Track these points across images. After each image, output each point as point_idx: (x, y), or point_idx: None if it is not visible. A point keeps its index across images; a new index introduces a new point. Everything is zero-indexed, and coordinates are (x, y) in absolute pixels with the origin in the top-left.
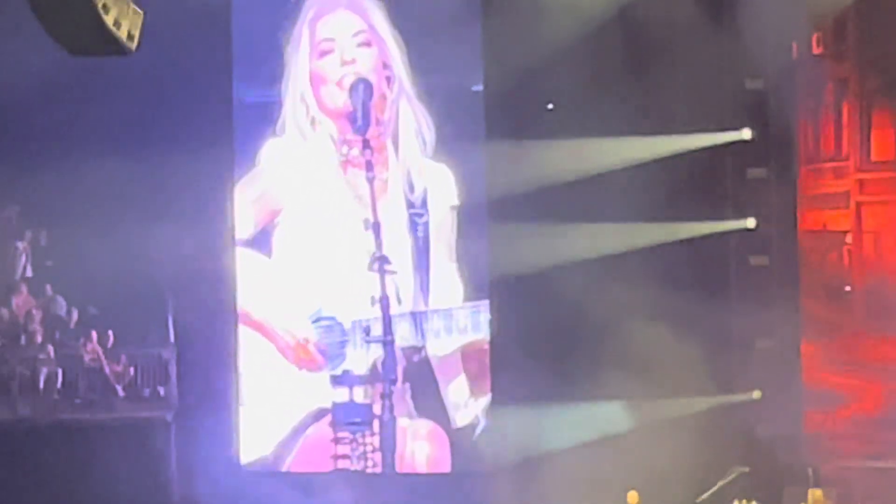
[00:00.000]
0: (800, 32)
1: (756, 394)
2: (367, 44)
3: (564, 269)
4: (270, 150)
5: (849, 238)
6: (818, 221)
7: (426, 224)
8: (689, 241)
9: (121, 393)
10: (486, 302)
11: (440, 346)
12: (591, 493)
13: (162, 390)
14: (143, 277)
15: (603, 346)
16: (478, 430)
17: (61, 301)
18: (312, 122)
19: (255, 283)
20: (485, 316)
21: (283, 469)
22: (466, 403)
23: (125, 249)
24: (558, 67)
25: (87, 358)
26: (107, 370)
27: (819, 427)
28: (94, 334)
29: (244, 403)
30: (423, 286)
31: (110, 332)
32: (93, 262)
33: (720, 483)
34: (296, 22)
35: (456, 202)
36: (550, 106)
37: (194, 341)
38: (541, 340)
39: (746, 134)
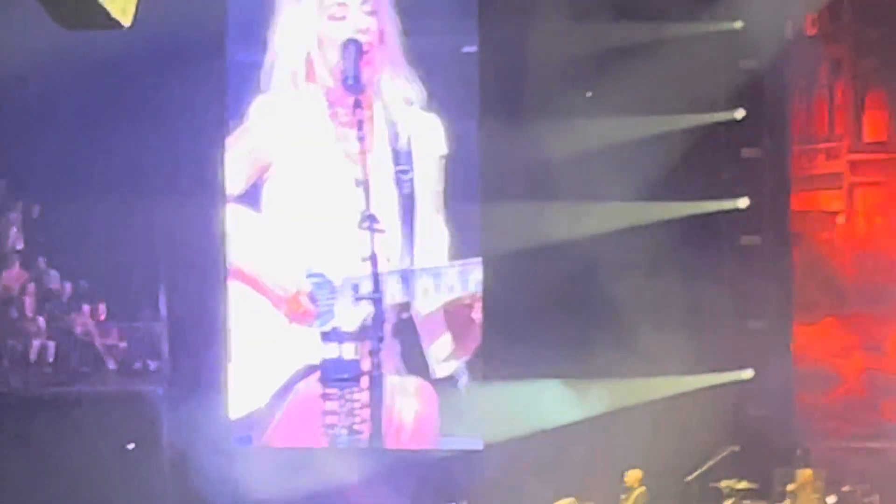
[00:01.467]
0: (794, 13)
1: (747, 374)
2: (374, 13)
3: (555, 247)
4: (259, 106)
5: (841, 219)
6: (811, 202)
7: (411, 181)
8: (681, 221)
9: (112, 366)
10: (475, 260)
11: (427, 303)
12: (581, 471)
13: (153, 364)
14: (136, 251)
15: (593, 324)
16: (461, 383)
17: (54, 274)
18: (306, 79)
19: (245, 238)
20: (473, 276)
21: (273, 423)
22: (447, 358)
23: (117, 222)
24: (550, 50)
25: (78, 331)
26: (98, 344)
27: (809, 407)
28: (85, 308)
29: (233, 360)
30: (410, 244)
31: (102, 306)
32: (85, 235)
33: (710, 462)
34: None
35: (445, 151)
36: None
37: (187, 316)
38: (531, 313)
39: (740, 114)
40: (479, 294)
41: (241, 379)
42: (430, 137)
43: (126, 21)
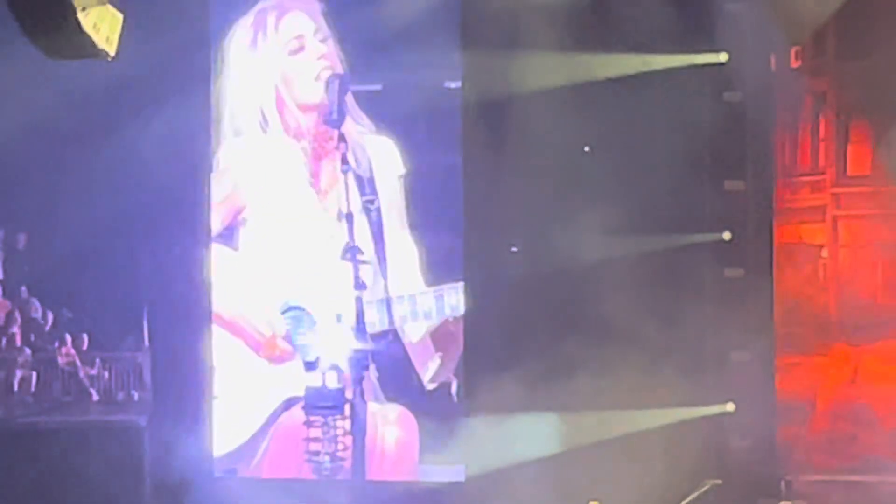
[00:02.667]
0: (778, 46)
1: (730, 406)
2: (325, 39)
3: (538, 278)
4: (229, 150)
5: (825, 252)
6: (794, 235)
7: (378, 209)
8: (665, 253)
9: (95, 396)
10: (450, 286)
11: (414, 330)
12: None
13: (136, 394)
14: (119, 280)
15: (575, 355)
16: (454, 389)
17: (36, 304)
18: (279, 118)
19: (223, 280)
20: (449, 300)
21: (258, 452)
22: (438, 372)
23: (101, 252)
24: (533, 83)
25: (61, 361)
26: (81, 373)
27: (792, 440)
28: (68, 337)
29: (216, 394)
30: (384, 272)
31: (85, 336)
32: (68, 264)
33: (692, 495)
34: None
35: (402, 171)
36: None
37: (170, 346)
38: (512, 341)
39: (723, 146)
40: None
41: (224, 412)
42: (387, 160)
43: (110, 50)
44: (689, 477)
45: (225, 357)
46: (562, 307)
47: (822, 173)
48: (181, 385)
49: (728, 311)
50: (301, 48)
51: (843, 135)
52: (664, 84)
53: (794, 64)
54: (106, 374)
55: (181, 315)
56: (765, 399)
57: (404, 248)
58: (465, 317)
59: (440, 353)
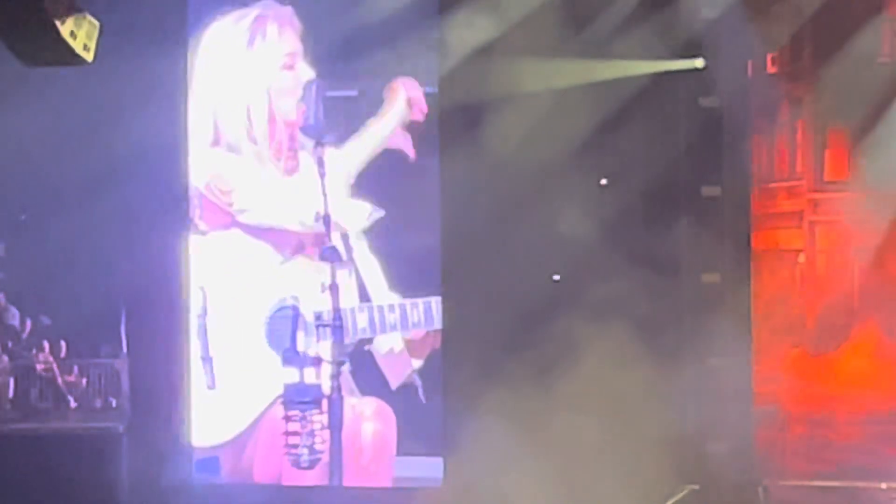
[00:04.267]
0: (755, 51)
1: (706, 411)
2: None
3: (517, 286)
4: (216, 159)
5: (802, 257)
6: (771, 240)
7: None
8: (641, 259)
9: (73, 403)
10: (435, 298)
11: (386, 338)
12: None
13: (114, 401)
14: (97, 288)
15: (553, 362)
16: (420, 391)
17: (14, 311)
18: (267, 130)
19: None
20: (433, 312)
21: (238, 448)
22: (409, 377)
23: (79, 260)
24: (510, 87)
25: (39, 368)
26: (59, 380)
27: (769, 445)
28: (45, 344)
29: (197, 395)
30: (357, 277)
31: (63, 342)
32: (45, 272)
33: (670, 501)
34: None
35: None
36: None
37: (148, 352)
38: (490, 350)
39: (700, 152)
40: (439, 329)
41: (205, 412)
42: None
43: (88, 57)
44: (666, 483)
45: (220, 349)
46: (539, 315)
47: (800, 179)
48: (159, 390)
49: (705, 317)
50: (291, 66)
51: (820, 140)
52: (640, 90)
53: (771, 69)
54: (84, 380)
55: (159, 322)
56: (742, 404)
57: (370, 261)
58: (444, 322)
59: (416, 362)
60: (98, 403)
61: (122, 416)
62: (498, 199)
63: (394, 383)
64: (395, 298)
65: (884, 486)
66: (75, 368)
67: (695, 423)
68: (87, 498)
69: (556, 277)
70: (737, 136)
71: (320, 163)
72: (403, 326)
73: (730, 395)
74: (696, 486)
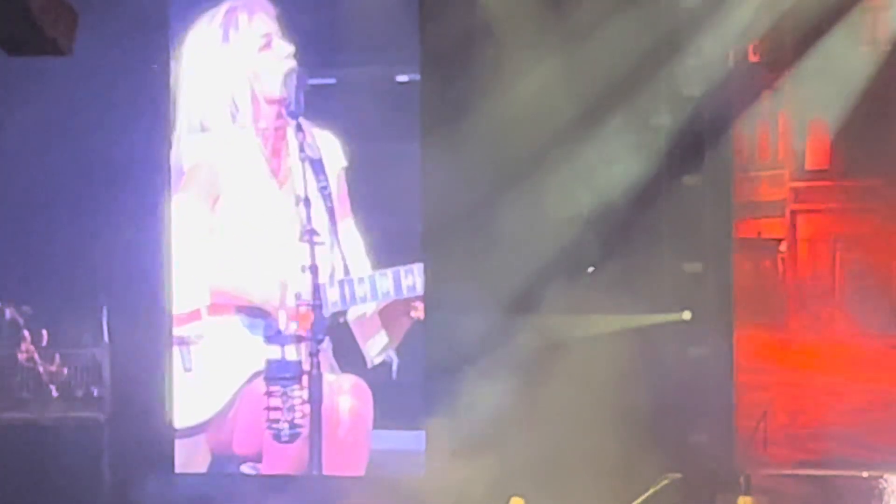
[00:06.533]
0: (736, 41)
1: (688, 401)
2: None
3: (499, 262)
4: (200, 145)
5: (783, 246)
6: (753, 229)
7: (330, 194)
8: (621, 247)
9: (54, 393)
10: (406, 267)
11: (361, 309)
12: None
13: (95, 390)
14: (78, 277)
15: (534, 352)
16: (394, 368)
17: None
18: (252, 113)
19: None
20: (405, 281)
21: (221, 424)
22: (382, 350)
23: (60, 249)
24: (492, 77)
25: (21, 357)
26: (41, 370)
27: (751, 434)
28: (27, 334)
29: (178, 379)
30: (340, 254)
31: (44, 332)
32: (26, 261)
33: (652, 489)
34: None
35: (345, 164)
36: (591, 269)
37: (129, 341)
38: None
39: (682, 141)
40: (415, 296)
41: (184, 393)
42: (331, 152)
43: (67, 45)
44: (647, 471)
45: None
46: (519, 303)
47: (781, 168)
48: (140, 380)
49: (687, 306)
50: (268, 45)
51: (801, 129)
52: (621, 83)
53: (753, 58)
54: (65, 370)
55: (140, 311)
56: (723, 394)
57: (351, 236)
58: (425, 297)
59: (385, 329)
60: (79, 393)
61: (104, 406)
62: (478, 186)
63: (366, 347)
64: (376, 270)
65: (865, 474)
66: (57, 358)
67: (676, 412)
68: (69, 487)
69: (591, 269)
70: (718, 126)
71: (301, 147)
72: (374, 297)
73: (711, 384)
74: (678, 475)
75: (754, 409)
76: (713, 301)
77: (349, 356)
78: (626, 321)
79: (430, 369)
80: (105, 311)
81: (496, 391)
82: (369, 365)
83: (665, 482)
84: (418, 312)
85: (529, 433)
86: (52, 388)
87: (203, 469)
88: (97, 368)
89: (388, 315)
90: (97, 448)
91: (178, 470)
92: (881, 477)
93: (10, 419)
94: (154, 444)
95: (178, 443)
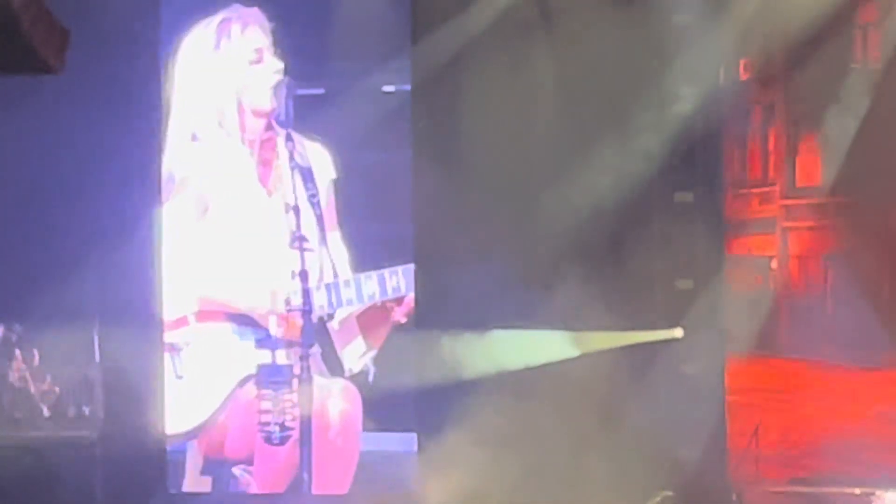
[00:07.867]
0: (727, 57)
1: (680, 418)
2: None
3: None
4: (192, 155)
5: (774, 263)
6: (743, 246)
7: (319, 203)
8: (612, 262)
9: (46, 412)
10: (391, 269)
11: (344, 312)
12: None
13: (87, 410)
14: (69, 296)
15: (529, 370)
16: (370, 377)
17: None
18: (238, 124)
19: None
20: (390, 282)
21: (212, 430)
22: (361, 357)
23: (51, 268)
24: (484, 87)
25: (12, 377)
26: (32, 389)
27: (743, 452)
28: (18, 353)
29: (179, 377)
30: (329, 260)
31: (35, 351)
32: (18, 280)
33: None
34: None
35: (334, 175)
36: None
37: (120, 359)
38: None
39: (672, 158)
40: (400, 298)
41: (178, 400)
42: (320, 163)
43: (58, 64)
44: (640, 489)
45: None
46: (508, 317)
47: (772, 185)
48: (132, 395)
49: (678, 323)
50: (259, 60)
51: (792, 146)
52: (612, 99)
53: (743, 75)
54: (57, 389)
55: (132, 329)
56: (715, 411)
57: (339, 245)
58: (416, 308)
59: (362, 335)
60: (71, 412)
61: (95, 425)
62: (470, 198)
63: (343, 355)
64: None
65: (858, 491)
66: (48, 377)
67: (668, 429)
68: None
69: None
70: (709, 142)
71: (291, 156)
72: (359, 299)
73: (703, 401)
74: (670, 493)
75: (746, 426)
76: (705, 318)
77: (333, 361)
78: (617, 338)
79: (420, 383)
80: (97, 328)
81: (485, 407)
82: (346, 374)
83: (657, 500)
84: (398, 316)
85: (519, 450)
86: (44, 407)
87: (196, 474)
88: (89, 387)
89: (367, 321)
90: (89, 467)
91: (170, 483)
92: (873, 493)
93: (1, 439)
94: (147, 462)
95: (170, 455)
